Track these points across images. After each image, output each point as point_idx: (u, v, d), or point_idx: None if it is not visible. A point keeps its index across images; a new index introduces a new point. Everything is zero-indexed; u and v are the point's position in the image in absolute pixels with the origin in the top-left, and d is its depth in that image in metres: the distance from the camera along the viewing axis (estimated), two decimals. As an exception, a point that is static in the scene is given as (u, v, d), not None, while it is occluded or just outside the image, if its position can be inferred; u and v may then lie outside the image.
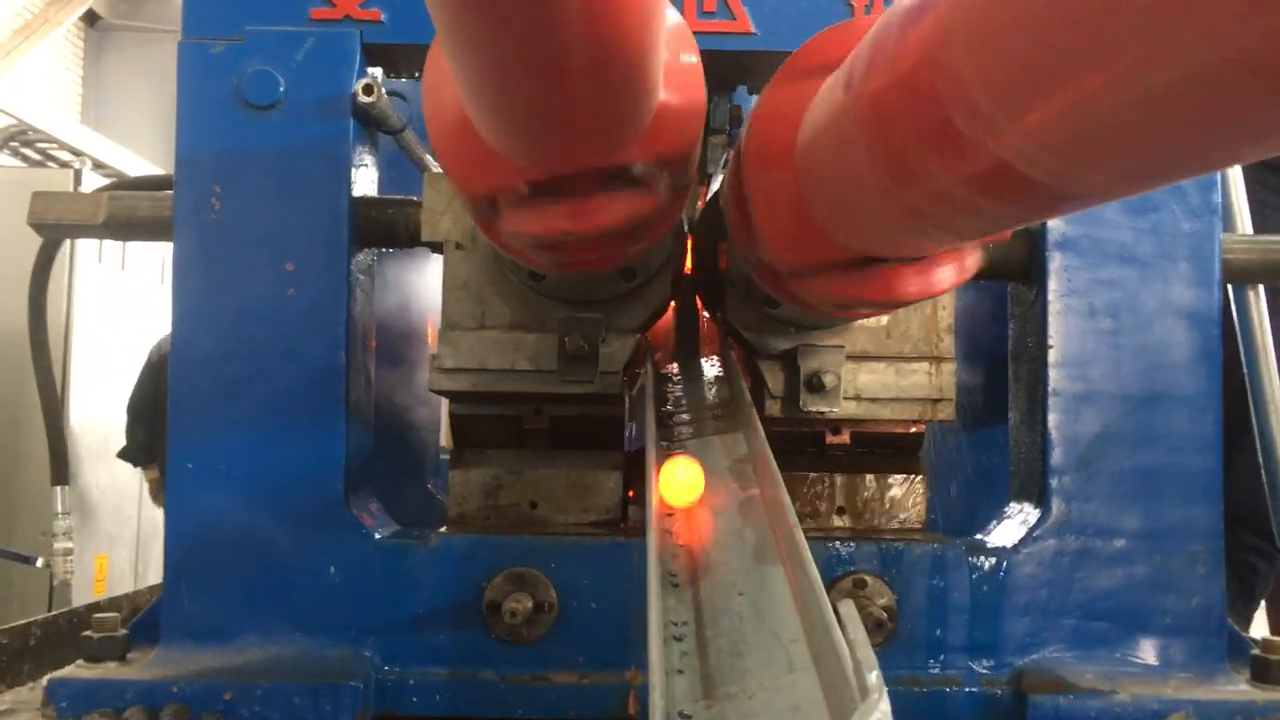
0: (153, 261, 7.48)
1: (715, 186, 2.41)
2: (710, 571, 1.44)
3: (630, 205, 1.62)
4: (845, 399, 2.25)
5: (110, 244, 6.94)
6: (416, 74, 2.48)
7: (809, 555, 1.25)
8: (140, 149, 9.62)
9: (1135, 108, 0.71)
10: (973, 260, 1.58)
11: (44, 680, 2.28)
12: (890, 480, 2.44)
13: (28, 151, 8.02)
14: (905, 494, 2.44)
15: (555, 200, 1.59)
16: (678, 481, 1.86)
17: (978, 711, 2.18)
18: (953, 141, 0.88)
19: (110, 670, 2.16)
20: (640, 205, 1.63)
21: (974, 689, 2.19)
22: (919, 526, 2.42)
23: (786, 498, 1.43)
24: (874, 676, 0.73)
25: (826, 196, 1.45)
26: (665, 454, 1.94)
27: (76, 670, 2.18)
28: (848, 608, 0.82)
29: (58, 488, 3.33)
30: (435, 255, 2.38)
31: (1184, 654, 2.21)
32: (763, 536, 1.50)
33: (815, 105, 1.42)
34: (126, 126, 12.23)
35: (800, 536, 1.29)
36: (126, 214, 2.38)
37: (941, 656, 2.20)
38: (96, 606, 2.86)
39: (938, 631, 2.20)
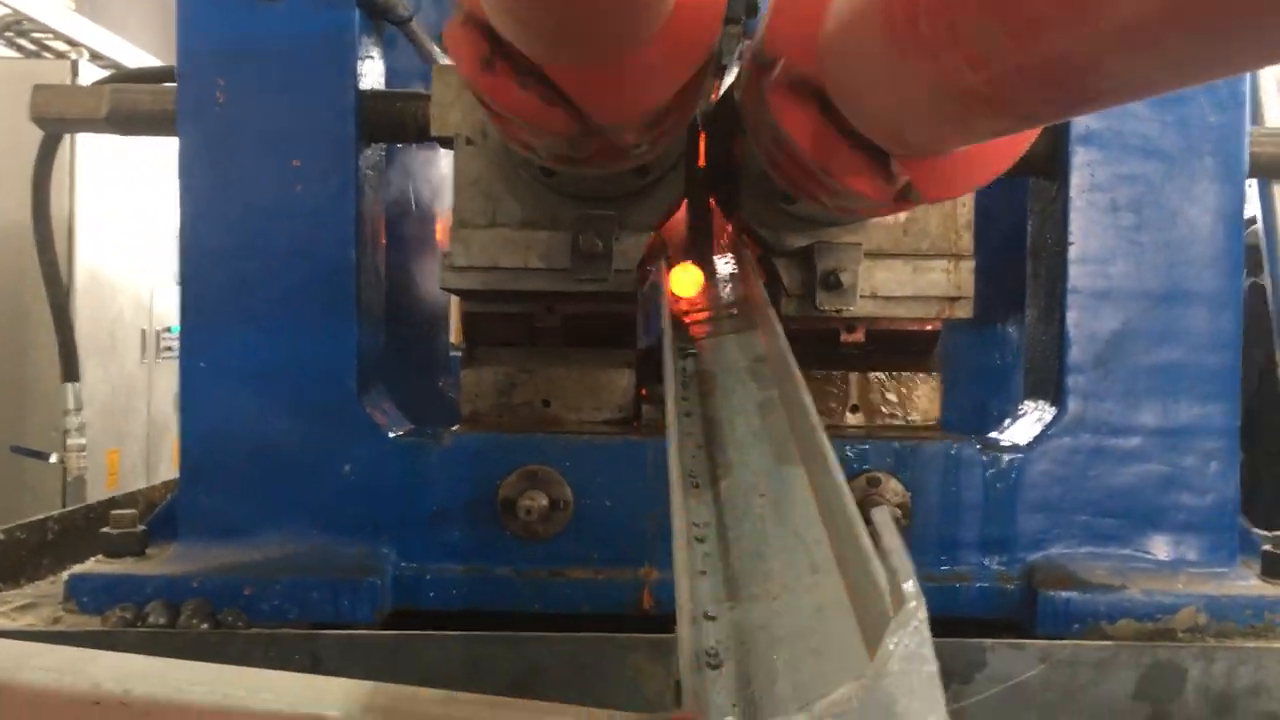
0: (156, 153, 7.38)
1: (730, 80, 2.34)
2: (730, 473, 1.43)
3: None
4: (861, 297, 2.22)
5: (113, 136, 6.84)
6: (422, -39, 2.40)
7: (833, 456, 1.24)
8: (136, 38, 9.42)
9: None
10: (1008, 152, 1.53)
11: (63, 574, 2.30)
12: (904, 378, 2.42)
13: (22, 42, 7.87)
14: (919, 392, 2.43)
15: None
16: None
17: (989, 606, 2.20)
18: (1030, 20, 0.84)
19: (130, 565, 2.19)
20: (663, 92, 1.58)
21: (985, 584, 2.21)
22: (933, 424, 2.41)
23: (808, 398, 1.42)
24: (910, 585, 0.72)
25: (854, 86, 1.40)
26: (681, 355, 1.93)
27: (97, 565, 2.20)
28: (883, 514, 0.81)
29: (69, 384, 3.34)
30: (443, 148, 2.34)
31: (1196, 551, 2.23)
32: (783, 437, 1.49)
33: (836, 16, 1.37)
34: (121, 15, 11.97)
35: (823, 437, 1.28)
36: (129, 108, 2.32)
37: (954, 552, 2.22)
38: (112, 502, 2.87)
39: (951, 528, 2.21)
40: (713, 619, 1.10)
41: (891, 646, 0.70)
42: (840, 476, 1.18)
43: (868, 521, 0.91)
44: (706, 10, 1.53)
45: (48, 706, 0.97)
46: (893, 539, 0.77)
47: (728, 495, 1.37)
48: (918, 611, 0.72)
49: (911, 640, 0.72)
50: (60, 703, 0.97)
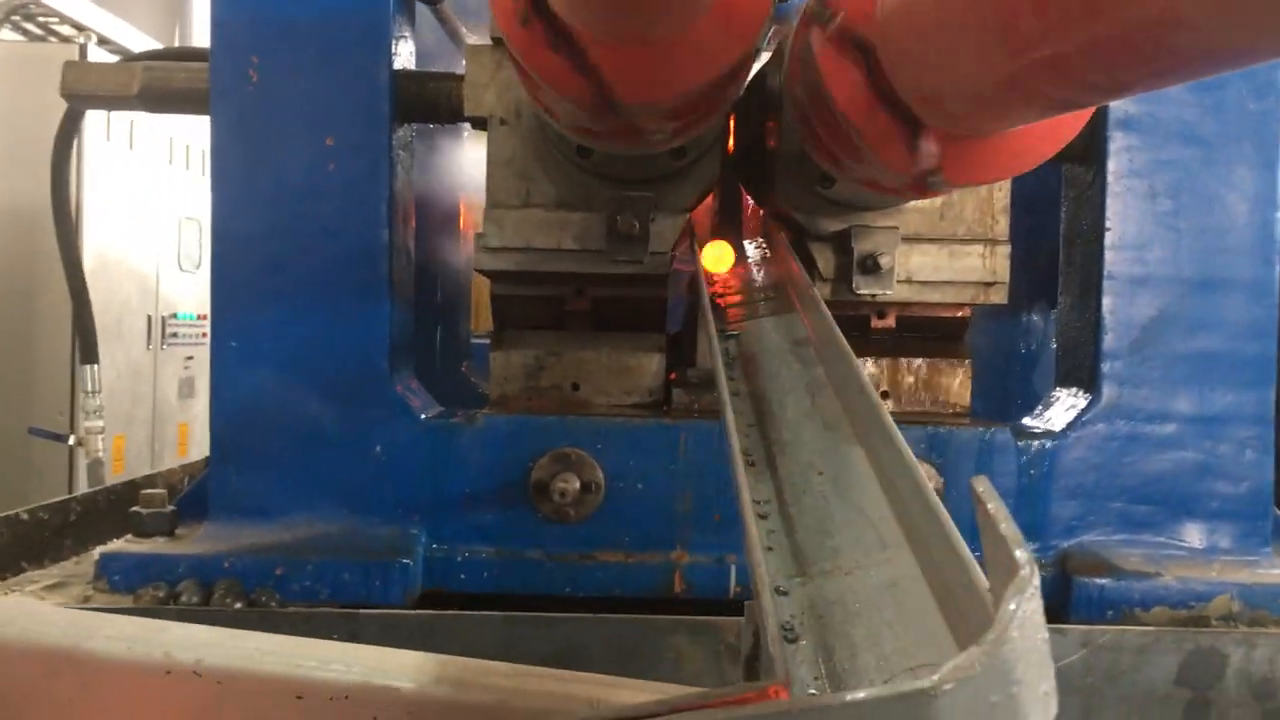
0: (162, 140, 7.37)
1: (760, 62, 2.33)
2: (785, 451, 1.42)
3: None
4: (897, 282, 2.21)
5: (118, 123, 6.82)
6: (455, -60, 2.39)
7: (895, 429, 1.23)
8: (139, 22, 9.38)
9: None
10: (1061, 130, 1.52)
11: (90, 554, 2.30)
12: (935, 364, 2.41)
13: (29, 26, 7.83)
14: (950, 378, 2.42)
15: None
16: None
17: (1022, 592, 2.19)
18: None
19: (161, 545, 2.18)
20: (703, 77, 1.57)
21: (1018, 570, 2.20)
22: (963, 411, 2.40)
23: (863, 375, 1.41)
24: (1022, 552, 0.72)
25: (911, 48, 1.39)
26: (721, 338, 1.91)
27: (127, 545, 2.19)
28: (984, 483, 0.80)
29: (87, 366, 3.33)
30: (467, 129, 2.32)
31: (1230, 538, 2.22)
32: (835, 415, 1.48)
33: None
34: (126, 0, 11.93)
35: (884, 411, 1.27)
36: (161, 85, 2.31)
37: (988, 538, 2.20)
38: (134, 484, 2.86)
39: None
40: (785, 594, 1.09)
41: (1012, 611, 0.69)
42: (908, 451, 1.18)
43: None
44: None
45: (119, 675, 0.96)
46: (999, 507, 0.76)
47: (785, 473, 1.36)
48: (1032, 578, 0.72)
49: (1028, 606, 0.71)
50: (132, 672, 0.96)
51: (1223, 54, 0.89)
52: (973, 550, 1.00)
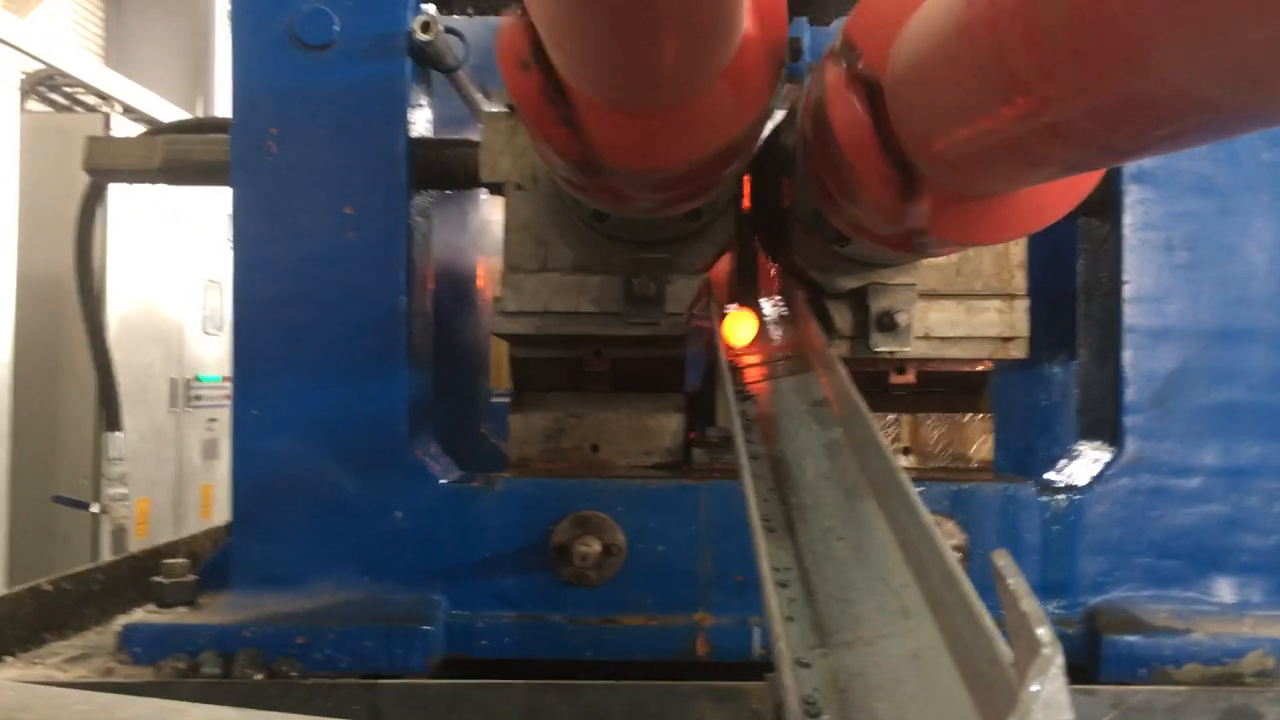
0: (186, 205, 7.46)
1: (774, 122, 2.34)
2: (805, 516, 1.42)
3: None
4: (915, 338, 2.21)
5: (143, 186, 6.91)
6: (470, 10, 2.42)
7: (917, 497, 1.22)
8: (163, 91, 9.54)
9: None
10: (1077, 189, 1.52)
11: (112, 624, 2.29)
12: (956, 419, 2.40)
13: (54, 96, 7.96)
14: (971, 433, 2.40)
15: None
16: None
17: (1050, 651, 2.16)
18: (1122, 60, 0.84)
19: (182, 615, 2.18)
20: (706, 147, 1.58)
21: (1046, 628, 2.17)
22: (986, 466, 2.39)
23: (882, 438, 1.40)
24: (1045, 630, 0.70)
25: (924, 124, 1.40)
26: (739, 399, 1.91)
27: (148, 615, 2.19)
28: (1005, 558, 0.79)
29: (110, 434, 3.34)
30: (482, 194, 2.34)
31: (1260, 592, 2.19)
32: (854, 479, 1.47)
33: (916, 29, 1.37)
34: (148, 68, 12.15)
35: (905, 478, 1.27)
36: (181, 158, 2.35)
37: (1014, 596, 2.18)
38: (157, 552, 2.86)
39: (1011, 572, 2.18)
40: (806, 665, 1.07)
41: (1034, 693, 0.68)
42: (929, 518, 1.17)
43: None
44: (768, 52, 1.53)
45: (138, 760, 0.96)
46: (1020, 583, 0.75)
47: (806, 539, 1.35)
48: (1055, 657, 0.70)
49: (1051, 687, 0.70)
50: (151, 756, 0.95)
51: (1232, 122, 0.89)
52: (995, 614, 0.98)
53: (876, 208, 1.60)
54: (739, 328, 2.36)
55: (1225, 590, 2.19)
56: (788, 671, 0.99)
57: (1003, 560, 0.78)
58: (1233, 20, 0.74)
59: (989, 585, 2.15)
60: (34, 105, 7.68)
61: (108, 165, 2.38)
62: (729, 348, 2.22)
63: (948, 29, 1.20)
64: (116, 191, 6.64)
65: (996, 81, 1.12)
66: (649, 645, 2.18)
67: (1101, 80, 0.97)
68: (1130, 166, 2.20)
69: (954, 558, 1.04)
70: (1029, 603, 0.73)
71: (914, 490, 1.22)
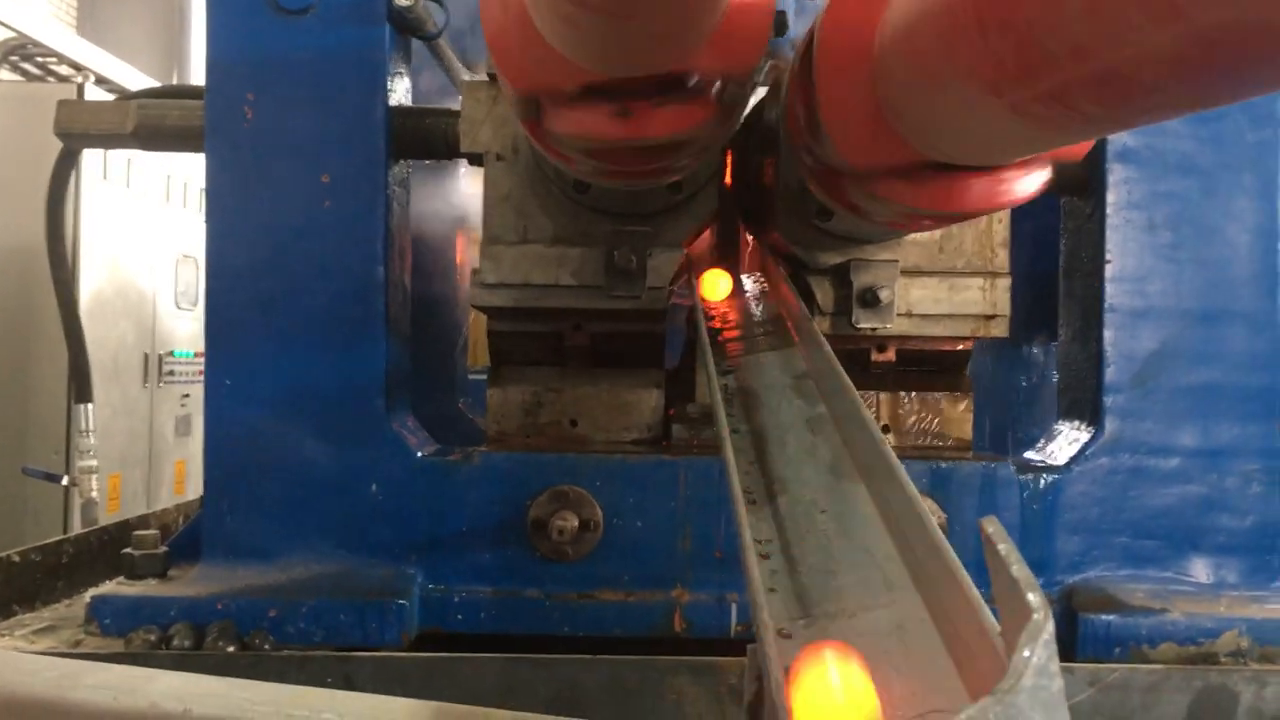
0: (159, 179, 7.37)
1: (756, 97, 2.32)
2: (786, 489, 1.40)
3: (686, 116, 1.56)
4: (896, 315, 2.20)
5: (115, 162, 6.82)
6: (451, -23, 2.39)
7: (901, 469, 1.21)
8: (137, 62, 9.41)
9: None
10: (1059, 162, 1.51)
11: (82, 596, 2.26)
12: (936, 398, 2.40)
13: (27, 66, 7.86)
14: (951, 412, 2.40)
15: (608, 103, 1.52)
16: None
17: (1027, 629, 2.16)
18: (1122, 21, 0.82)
19: (153, 587, 2.15)
20: (697, 115, 1.56)
21: (1023, 607, 2.17)
22: (965, 445, 2.38)
23: (866, 412, 1.39)
24: (1035, 596, 0.69)
25: (912, 98, 1.38)
26: (720, 373, 1.89)
27: (119, 587, 2.16)
28: (994, 524, 0.78)
29: (82, 405, 3.30)
30: (462, 164, 2.31)
31: (1237, 573, 2.19)
32: (838, 451, 1.46)
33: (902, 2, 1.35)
34: (122, 38, 11.98)
35: (888, 450, 1.25)
36: (155, 123, 2.30)
37: (992, 575, 2.18)
38: (127, 525, 2.83)
39: (992, 548, 2.17)
40: (788, 637, 1.06)
41: (1026, 659, 0.66)
42: (914, 491, 1.15)
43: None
44: (755, 21, 1.51)
45: (105, 727, 0.94)
46: (1010, 549, 0.74)
47: (787, 512, 1.33)
48: (1046, 623, 0.69)
49: (1042, 654, 0.68)
50: (118, 723, 0.93)
51: (1217, 90, 0.88)
52: (979, 588, 0.97)
53: (878, 193, 1.59)
54: (715, 285, 2.36)
55: (1202, 570, 2.20)
56: (770, 641, 0.97)
57: (992, 527, 0.76)
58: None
59: (969, 561, 2.15)
60: (6, 74, 7.57)
61: (79, 130, 2.33)
62: (710, 318, 2.21)
63: (920, 21, 1.19)
64: (89, 166, 6.56)
65: (979, 52, 1.10)
66: (626, 621, 2.17)
67: (1090, 48, 0.95)
68: (1114, 145, 2.20)
69: (938, 530, 1.03)
70: (1020, 569, 0.72)
71: (899, 463, 1.21)
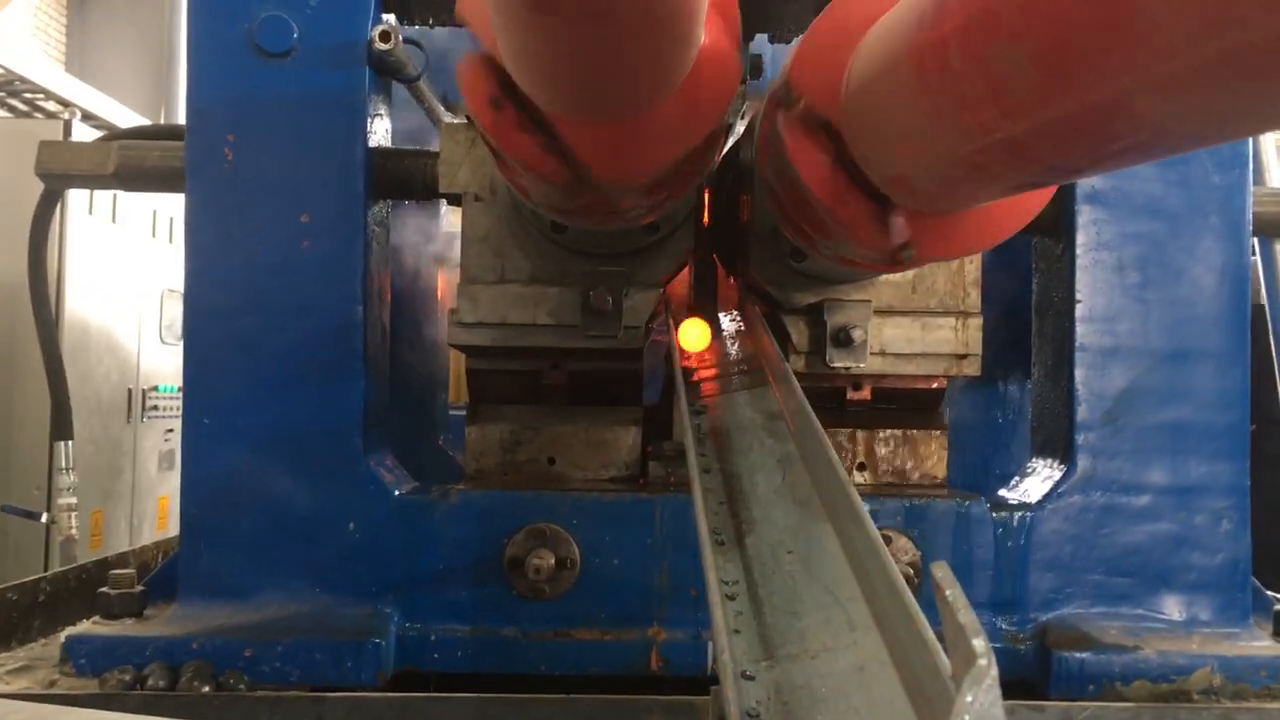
0: (145, 214, 7.38)
1: (733, 138, 2.36)
2: (755, 529, 1.42)
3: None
4: (870, 354, 2.22)
5: (102, 196, 6.84)
6: (431, 21, 2.42)
7: (865, 512, 1.22)
8: (125, 99, 9.45)
9: None
10: (1027, 206, 1.54)
11: (58, 636, 2.25)
12: (911, 436, 2.42)
13: (14, 102, 7.88)
14: (926, 450, 2.42)
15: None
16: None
17: (1002, 667, 2.15)
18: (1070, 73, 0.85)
19: (129, 627, 2.14)
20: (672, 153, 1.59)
21: (997, 645, 2.18)
22: (940, 482, 2.40)
23: (833, 454, 1.41)
24: (980, 642, 0.71)
25: (875, 130, 1.41)
26: (693, 413, 1.91)
27: (94, 627, 2.16)
28: (943, 569, 0.79)
29: (61, 443, 3.29)
30: (443, 204, 2.33)
31: (1209, 610, 2.21)
32: (806, 493, 1.48)
33: (870, 47, 1.38)
34: (110, 75, 12.03)
35: (854, 493, 1.27)
36: (137, 164, 2.32)
37: (966, 612, 2.19)
38: (105, 563, 2.82)
39: (962, 587, 2.18)
40: (751, 678, 1.07)
41: (969, 703, 0.68)
42: (876, 533, 1.17)
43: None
44: (723, 72, 1.54)
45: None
46: (957, 594, 0.76)
47: (755, 552, 1.35)
48: (990, 669, 0.71)
49: (985, 698, 0.70)
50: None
51: (1172, 138, 0.90)
52: (939, 629, 0.99)
53: (859, 242, 1.62)
54: (692, 334, 2.36)
55: (1174, 608, 2.21)
56: (730, 684, 0.99)
57: (940, 572, 0.78)
58: (1172, 40, 0.75)
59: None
60: (-8, 110, 7.59)
61: (60, 170, 2.35)
62: (685, 360, 2.23)
63: (897, 55, 1.21)
64: (75, 201, 6.57)
65: (946, 103, 1.13)
66: (603, 659, 2.17)
67: (1049, 98, 0.98)
68: (1084, 188, 2.23)
69: (898, 572, 1.04)
70: (966, 614, 0.73)
71: (862, 505, 1.23)
